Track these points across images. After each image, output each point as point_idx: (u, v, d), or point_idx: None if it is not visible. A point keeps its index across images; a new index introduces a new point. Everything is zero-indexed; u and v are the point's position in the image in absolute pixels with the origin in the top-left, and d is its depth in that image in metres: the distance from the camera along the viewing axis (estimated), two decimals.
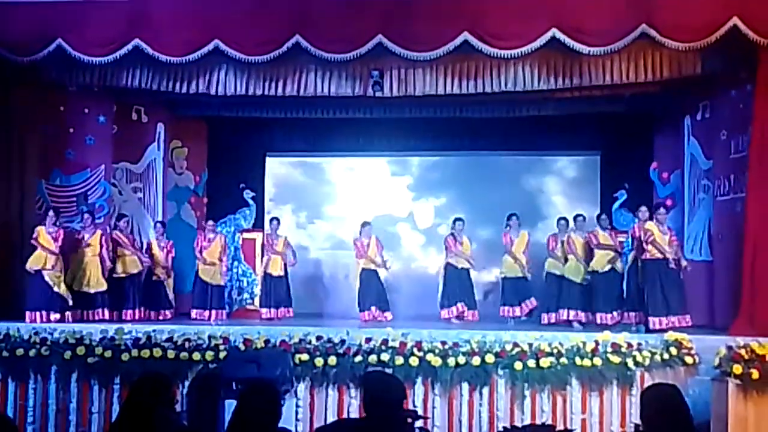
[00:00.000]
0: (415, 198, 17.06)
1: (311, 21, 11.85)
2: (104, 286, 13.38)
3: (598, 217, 13.94)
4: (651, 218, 12.69)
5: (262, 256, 14.85)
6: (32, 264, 12.81)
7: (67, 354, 10.66)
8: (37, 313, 12.57)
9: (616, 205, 15.06)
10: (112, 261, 13.67)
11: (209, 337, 10.72)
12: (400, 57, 12.00)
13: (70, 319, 12.71)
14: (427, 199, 17.03)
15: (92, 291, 13.32)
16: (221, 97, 13.35)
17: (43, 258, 12.81)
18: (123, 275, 13.80)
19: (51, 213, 13.13)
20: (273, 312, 14.10)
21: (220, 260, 14.30)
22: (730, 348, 10.15)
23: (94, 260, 13.39)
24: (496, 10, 11.63)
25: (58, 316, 12.64)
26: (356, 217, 15.73)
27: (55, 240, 12.90)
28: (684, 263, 12.69)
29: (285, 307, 14.24)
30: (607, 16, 11.44)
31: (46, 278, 12.77)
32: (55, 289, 12.80)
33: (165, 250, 14.29)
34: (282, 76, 12.89)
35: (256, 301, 15.15)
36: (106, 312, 13.28)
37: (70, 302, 12.98)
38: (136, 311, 13.73)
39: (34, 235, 12.88)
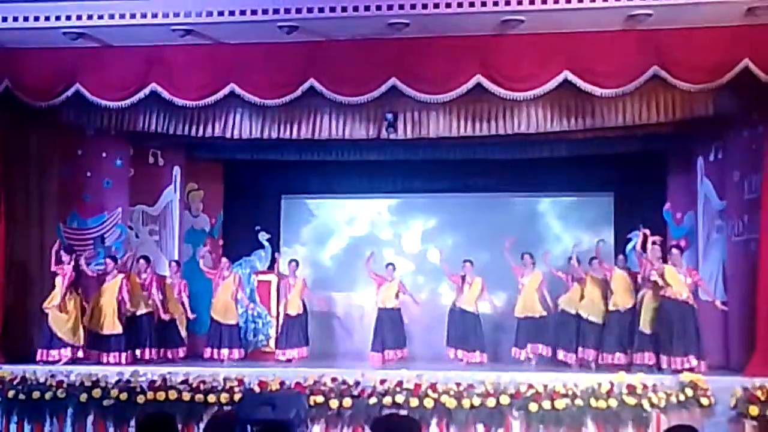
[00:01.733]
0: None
1: (325, 64, 11.95)
2: (119, 329, 13.29)
3: (616, 257, 13.89)
4: (665, 259, 12.65)
5: (278, 298, 14.89)
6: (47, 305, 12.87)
7: (83, 396, 10.73)
8: (44, 351, 12.60)
9: (630, 245, 15.01)
10: (129, 302, 13.69)
11: (224, 379, 10.75)
12: (414, 99, 12.08)
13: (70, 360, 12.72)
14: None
15: (107, 333, 13.21)
16: (237, 140, 13.45)
17: (51, 297, 12.85)
18: (137, 315, 13.76)
19: (62, 252, 13.15)
20: (289, 353, 14.06)
21: (235, 300, 14.31)
22: (746, 389, 10.14)
23: (111, 303, 13.38)
24: (509, 52, 11.68)
25: (58, 355, 12.64)
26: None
27: (63, 277, 12.93)
28: (717, 303, 12.64)
29: (300, 347, 14.20)
30: (619, 58, 11.49)
31: (49, 317, 12.79)
32: (54, 328, 12.76)
33: (178, 288, 14.33)
34: (296, 119, 12.97)
35: (271, 342, 15.17)
36: (122, 356, 13.22)
37: (79, 343, 12.93)
38: (151, 350, 13.62)
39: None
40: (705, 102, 12.12)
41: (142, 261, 14.15)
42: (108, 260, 13.69)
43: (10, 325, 12.97)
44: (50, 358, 12.55)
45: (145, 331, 13.69)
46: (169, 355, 13.92)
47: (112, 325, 13.26)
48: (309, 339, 14.38)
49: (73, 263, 13.06)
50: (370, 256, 14.57)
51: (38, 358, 12.53)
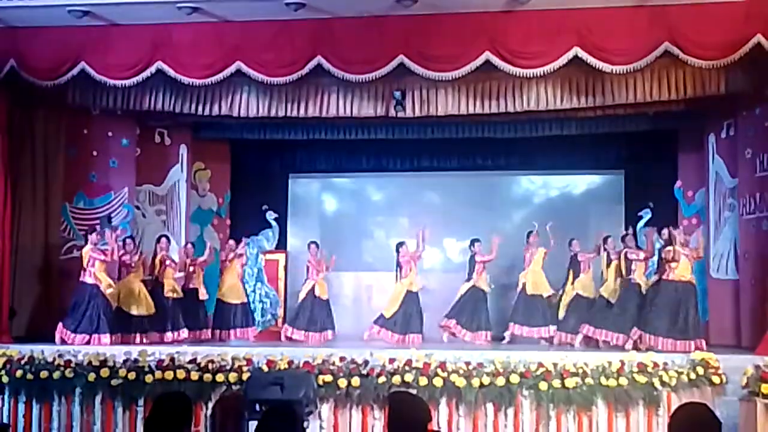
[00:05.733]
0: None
1: (333, 42, 11.85)
2: (153, 310, 13.31)
3: (624, 237, 13.74)
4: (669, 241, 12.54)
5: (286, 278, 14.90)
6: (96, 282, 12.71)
7: (91, 376, 10.67)
8: (94, 336, 12.49)
9: (641, 224, 14.94)
10: (153, 283, 13.66)
11: (233, 359, 10.71)
12: (422, 77, 11.98)
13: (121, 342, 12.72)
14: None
15: (144, 314, 13.25)
16: (244, 118, 13.39)
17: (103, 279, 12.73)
18: (168, 297, 13.67)
19: (94, 235, 12.99)
20: (316, 336, 14.03)
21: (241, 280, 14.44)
22: (757, 367, 10.05)
23: (140, 284, 13.40)
24: (518, 29, 11.57)
25: (111, 337, 12.59)
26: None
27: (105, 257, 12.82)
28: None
29: (329, 329, 14.20)
30: (629, 34, 11.36)
31: (109, 297, 12.71)
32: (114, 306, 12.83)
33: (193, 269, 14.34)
34: (304, 98, 12.89)
35: (279, 322, 15.14)
36: (156, 335, 13.25)
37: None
38: (180, 332, 13.54)
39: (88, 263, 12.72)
40: (717, 79, 11.98)
41: (164, 240, 14.07)
42: (128, 241, 13.60)
43: (17, 305, 12.97)
44: (105, 342, 12.50)
45: (173, 314, 13.63)
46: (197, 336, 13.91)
47: (147, 307, 13.31)
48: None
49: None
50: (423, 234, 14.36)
51: (93, 342, 12.40)
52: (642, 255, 12.95)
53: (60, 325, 12.50)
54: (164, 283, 13.61)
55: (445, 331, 14.02)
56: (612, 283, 13.27)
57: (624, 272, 13.08)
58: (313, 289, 14.21)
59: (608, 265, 13.38)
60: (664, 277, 12.24)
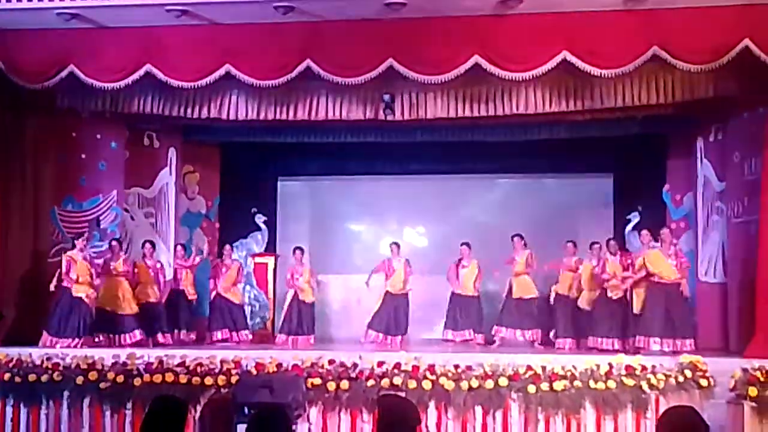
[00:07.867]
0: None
1: (322, 45, 11.85)
2: (136, 310, 13.38)
3: (608, 242, 13.78)
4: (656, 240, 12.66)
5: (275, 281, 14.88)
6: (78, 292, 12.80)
7: (79, 379, 10.66)
8: (76, 339, 12.57)
9: (629, 227, 14.97)
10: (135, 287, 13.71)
11: (221, 362, 10.70)
12: (411, 80, 11.99)
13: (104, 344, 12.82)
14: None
15: (125, 315, 13.29)
16: (233, 122, 13.37)
17: (86, 287, 12.83)
18: (150, 301, 13.78)
19: (81, 240, 13.08)
20: (296, 340, 14.03)
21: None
22: (745, 370, 10.09)
23: (124, 287, 13.43)
24: (507, 33, 11.58)
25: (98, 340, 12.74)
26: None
27: (92, 265, 12.95)
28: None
29: (310, 334, 14.21)
30: (618, 38, 11.39)
31: (88, 302, 12.78)
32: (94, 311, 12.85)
33: (182, 271, 14.36)
34: (293, 101, 12.89)
35: (269, 325, 15.13)
36: (138, 334, 13.27)
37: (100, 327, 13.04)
38: (165, 335, 13.67)
39: (65, 268, 12.81)
40: (705, 83, 12.02)
41: (148, 245, 14.07)
42: (114, 243, 13.70)
43: (5, 308, 12.94)
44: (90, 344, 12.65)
45: (158, 316, 13.73)
46: (182, 338, 13.98)
47: (130, 308, 13.35)
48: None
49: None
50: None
51: (77, 346, 12.49)
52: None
53: (44, 333, 12.59)
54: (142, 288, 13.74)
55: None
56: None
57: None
58: (296, 295, 14.24)
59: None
60: None
